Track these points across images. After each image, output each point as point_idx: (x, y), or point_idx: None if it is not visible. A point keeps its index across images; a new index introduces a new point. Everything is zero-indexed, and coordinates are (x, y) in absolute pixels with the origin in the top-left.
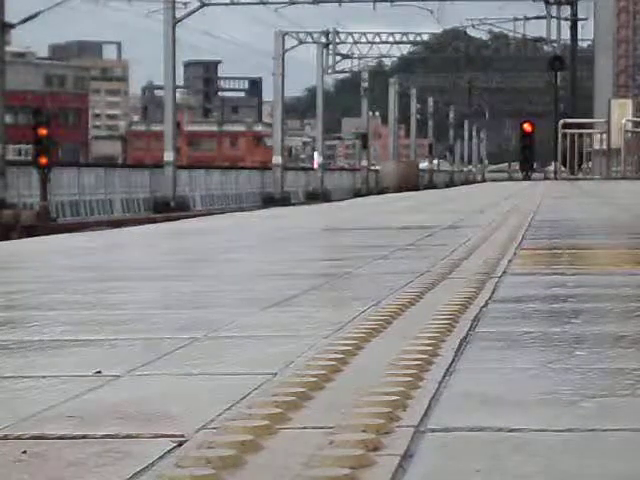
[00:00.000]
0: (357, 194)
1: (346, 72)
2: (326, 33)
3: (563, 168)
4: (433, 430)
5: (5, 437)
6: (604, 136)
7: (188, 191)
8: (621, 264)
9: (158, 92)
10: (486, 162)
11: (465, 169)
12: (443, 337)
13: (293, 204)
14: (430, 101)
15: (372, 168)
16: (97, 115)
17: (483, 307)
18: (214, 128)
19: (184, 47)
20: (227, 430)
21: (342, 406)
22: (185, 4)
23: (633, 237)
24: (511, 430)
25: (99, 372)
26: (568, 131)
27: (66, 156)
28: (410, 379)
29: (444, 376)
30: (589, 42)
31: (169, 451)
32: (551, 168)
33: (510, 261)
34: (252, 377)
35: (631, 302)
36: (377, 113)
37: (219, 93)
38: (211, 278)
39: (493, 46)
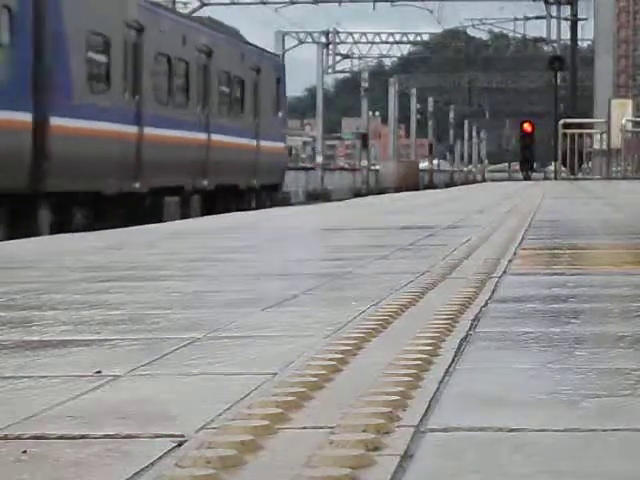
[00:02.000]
0: (357, 194)
1: (346, 72)
2: (326, 33)
3: (563, 168)
4: (433, 430)
5: (5, 437)
6: (604, 136)
7: None
8: (621, 264)
9: None
10: (486, 162)
11: (465, 169)
12: (443, 337)
13: (293, 204)
14: (430, 101)
15: (372, 168)
16: None
17: (483, 307)
18: None
19: None
20: (227, 430)
21: (342, 406)
22: (185, 4)
23: (633, 237)
24: (511, 430)
25: (99, 372)
26: (568, 131)
27: None
28: (410, 379)
29: (444, 376)
30: (589, 42)
31: (169, 451)
32: (551, 168)
33: (510, 261)
34: (252, 377)
35: (631, 302)
36: (377, 113)
37: None
38: (211, 278)
39: (493, 46)
